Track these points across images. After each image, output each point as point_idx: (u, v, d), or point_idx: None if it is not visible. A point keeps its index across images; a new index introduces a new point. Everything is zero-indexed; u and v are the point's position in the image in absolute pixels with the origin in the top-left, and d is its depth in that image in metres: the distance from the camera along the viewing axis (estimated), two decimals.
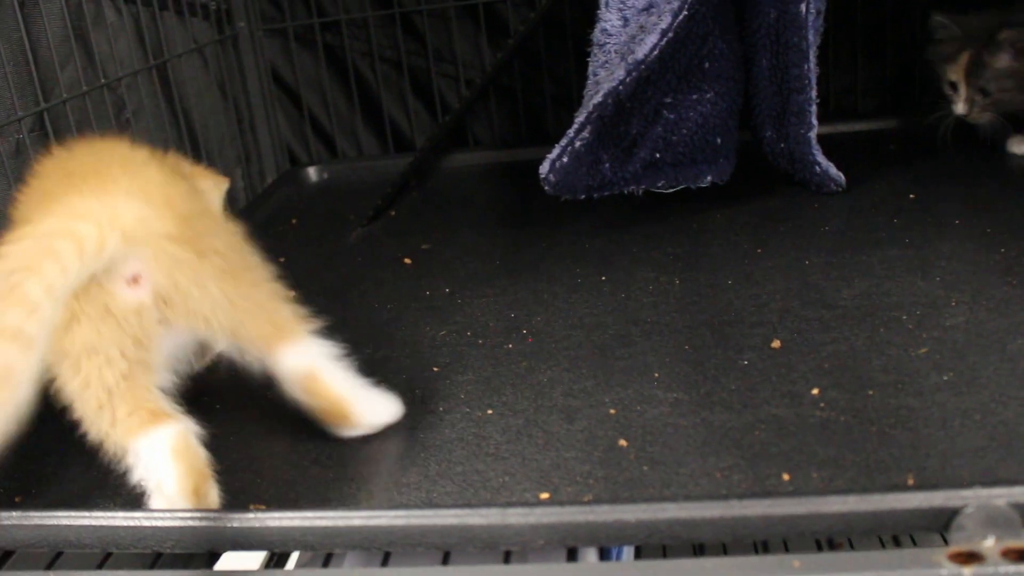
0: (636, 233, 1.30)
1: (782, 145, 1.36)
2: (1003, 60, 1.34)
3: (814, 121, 1.30)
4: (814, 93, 1.29)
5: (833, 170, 1.34)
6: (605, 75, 1.24)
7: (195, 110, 1.57)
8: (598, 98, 1.20)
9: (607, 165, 1.27)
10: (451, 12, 1.74)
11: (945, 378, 0.86)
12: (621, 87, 1.19)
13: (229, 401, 0.98)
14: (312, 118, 1.85)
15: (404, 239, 1.40)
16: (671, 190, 1.32)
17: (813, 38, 1.27)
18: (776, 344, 0.95)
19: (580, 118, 1.22)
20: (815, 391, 0.86)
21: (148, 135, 1.40)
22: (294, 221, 1.55)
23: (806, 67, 1.28)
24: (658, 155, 1.29)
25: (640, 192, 1.31)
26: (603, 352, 0.98)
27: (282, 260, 1.36)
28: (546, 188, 1.24)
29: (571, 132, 1.22)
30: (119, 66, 1.36)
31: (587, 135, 1.22)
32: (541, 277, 1.19)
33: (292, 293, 1.22)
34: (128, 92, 1.37)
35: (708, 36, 1.28)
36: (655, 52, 1.19)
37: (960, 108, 1.39)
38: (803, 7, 1.24)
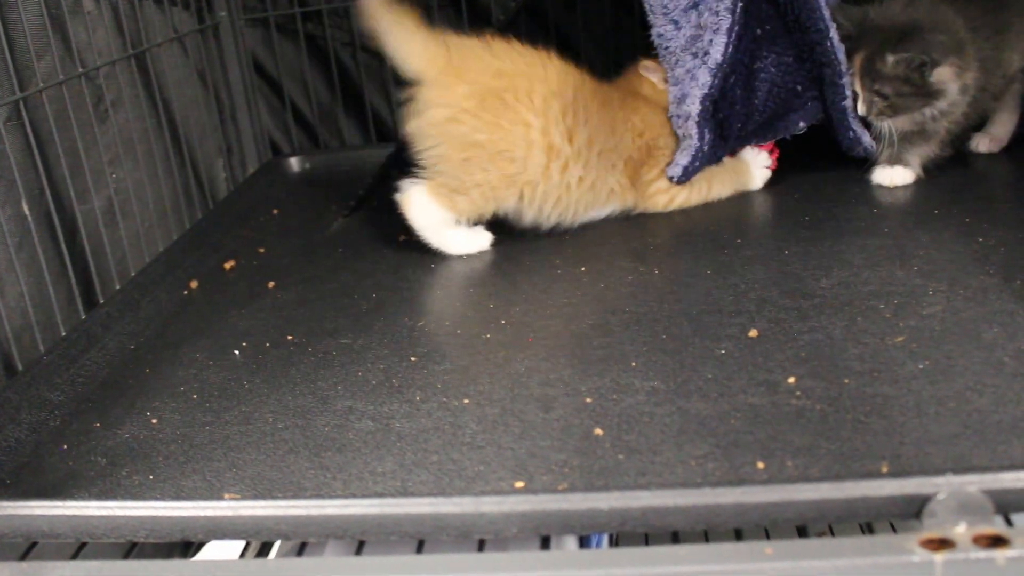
0: (616, 224, 1.30)
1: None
2: (898, 69, 1.28)
3: (848, 92, 1.32)
4: (844, 67, 1.31)
5: (867, 138, 1.36)
6: (683, 74, 1.30)
7: (175, 100, 1.56)
8: (696, 106, 1.28)
9: (718, 152, 1.34)
10: (433, 1, 1.73)
11: (921, 366, 0.86)
12: (711, 90, 1.27)
13: (205, 390, 0.98)
14: (294, 108, 1.84)
15: (385, 230, 1.39)
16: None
17: (830, 16, 1.30)
18: (753, 333, 0.96)
19: (694, 130, 1.29)
20: (791, 380, 0.86)
21: (127, 126, 1.39)
22: (275, 211, 1.54)
23: (828, 44, 1.30)
24: (739, 126, 1.33)
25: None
26: (580, 342, 0.98)
27: (263, 250, 1.37)
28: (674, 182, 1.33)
29: (696, 141, 1.29)
30: (97, 56, 1.35)
31: (709, 135, 1.29)
32: (521, 268, 1.19)
33: (272, 283, 1.23)
34: (107, 82, 1.36)
35: (760, 4, 1.32)
36: (729, 50, 1.26)
37: (860, 108, 1.34)
38: None
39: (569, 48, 1.72)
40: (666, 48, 1.32)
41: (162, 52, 1.53)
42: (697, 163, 1.32)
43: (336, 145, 1.85)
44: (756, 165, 1.37)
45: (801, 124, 1.37)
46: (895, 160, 1.34)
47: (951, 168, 1.36)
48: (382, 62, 1.78)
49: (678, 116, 1.31)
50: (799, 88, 1.35)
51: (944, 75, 1.27)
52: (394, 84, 1.80)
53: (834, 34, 1.30)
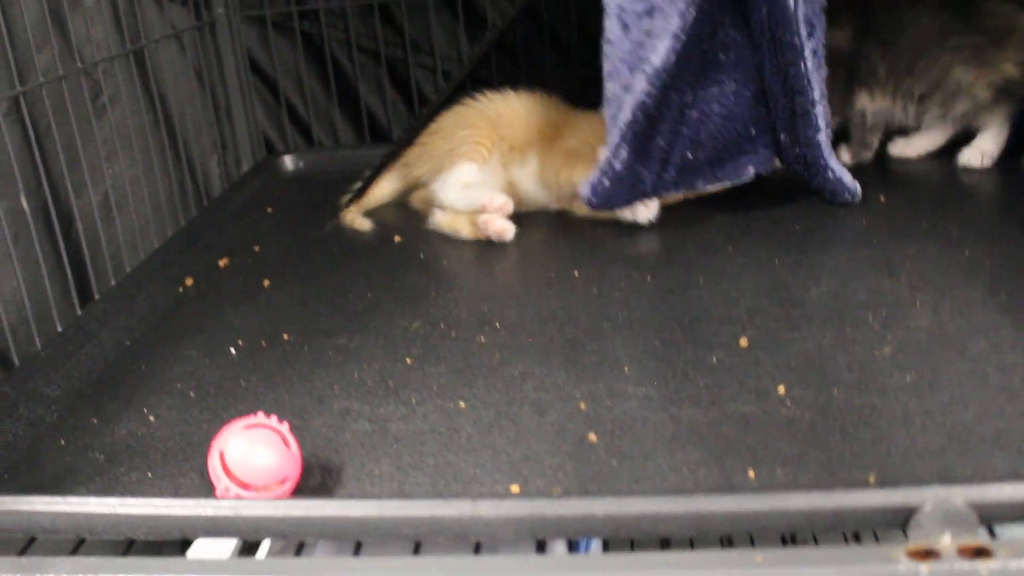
0: (610, 230, 1.31)
1: (796, 150, 1.30)
2: None
3: (821, 123, 1.26)
4: (816, 94, 1.24)
5: (848, 178, 1.30)
6: (617, 87, 1.21)
7: (172, 96, 1.56)
8: (627, 115, 1.19)
9: (647, 181, 1.26)
10: (429, 3, 1.74)
11: (908, 378, 0.88)
12: (648, 99, 1.18)
13: (201, 388, 0.98)
14: (289, 106, 1.85)
15: (379, 230, 1.40)
16: (712, 188, 1.32)
17: (806, 33, 1.22)
18: (744, 342, 0.97)
19: (614, 139, 1.20)
20: (781, 389, 0.88)
21: (124, 121, 1.39)
22: (269, 210, 1.55)
23: (803, 66, 1.22)
24: (690, 155, 1.27)
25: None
26: (574, 347, 0.99)
27: (257, 248, 1.37)
28: (588, 207, 1.26)
29: (609, 154, 1.21)
30: (96, 51, 1.35)
31: (625, 154, 1.21)
32: (514, 272, 1.21)
33: (267, 281, 1.24)
34: (105, 77, 1.36)
35: (718, 28, 1.24)
36: (672, 56, 1.17)
37: None
38: (791, 1, 1.20)
39: (564, 53, 1.74)
40: (607, 57, 1.21)
41: (159, 48, 1.53)
42: (607, 182, 1.22)
43: (331, 144, 1.86)
44: None
45: (751, 170, 1.30)
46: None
47: (939, 181, 1.38)
48: (378, 62, 1.80)
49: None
50: (753, 131, 1.28)
51: None
52: (389, 84, 1.81)
53: (808, 55, 1.22)
